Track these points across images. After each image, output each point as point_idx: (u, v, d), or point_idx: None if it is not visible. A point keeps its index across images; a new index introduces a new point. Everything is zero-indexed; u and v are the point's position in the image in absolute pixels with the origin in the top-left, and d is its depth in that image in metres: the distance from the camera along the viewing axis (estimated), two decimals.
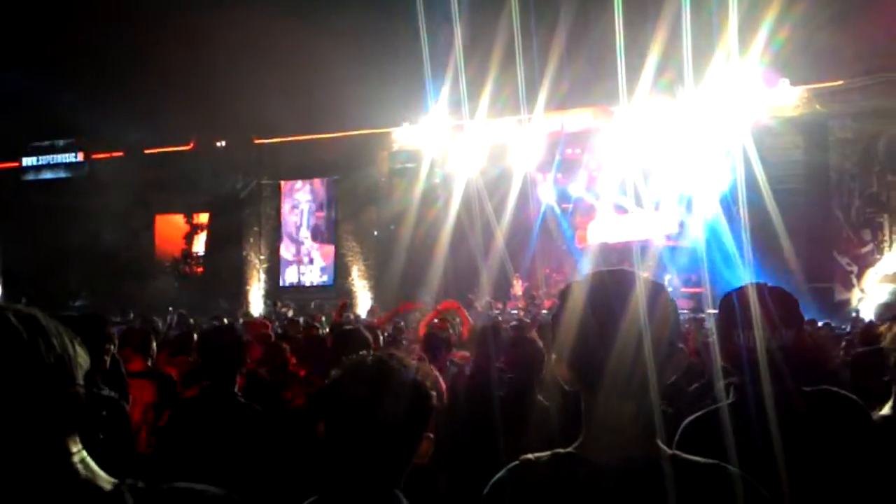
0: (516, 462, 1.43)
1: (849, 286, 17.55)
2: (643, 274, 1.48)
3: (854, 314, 16.30)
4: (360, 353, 1.67)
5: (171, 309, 17.59)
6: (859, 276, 17.47)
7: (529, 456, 1.42)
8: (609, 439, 1.38)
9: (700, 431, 2.07)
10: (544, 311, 17.09)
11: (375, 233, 21.40)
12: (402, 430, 1.54)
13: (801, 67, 17.28)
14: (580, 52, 17.61)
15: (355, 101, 19.59)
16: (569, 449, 1.42)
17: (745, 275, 15.74)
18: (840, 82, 17.62)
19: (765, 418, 2.00)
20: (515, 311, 17.20)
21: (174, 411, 3.66)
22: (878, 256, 17.42)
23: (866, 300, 17.17)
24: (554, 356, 1.49)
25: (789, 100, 17.84)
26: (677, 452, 1.39)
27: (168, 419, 3.63)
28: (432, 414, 1.63)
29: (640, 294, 1.40)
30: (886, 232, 17.41)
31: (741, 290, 2.19)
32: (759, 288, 2.17)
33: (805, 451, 1.95)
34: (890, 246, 17.33)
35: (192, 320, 13.19)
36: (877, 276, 17.36)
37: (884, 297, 16.83)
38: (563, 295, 1.50)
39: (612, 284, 1.44)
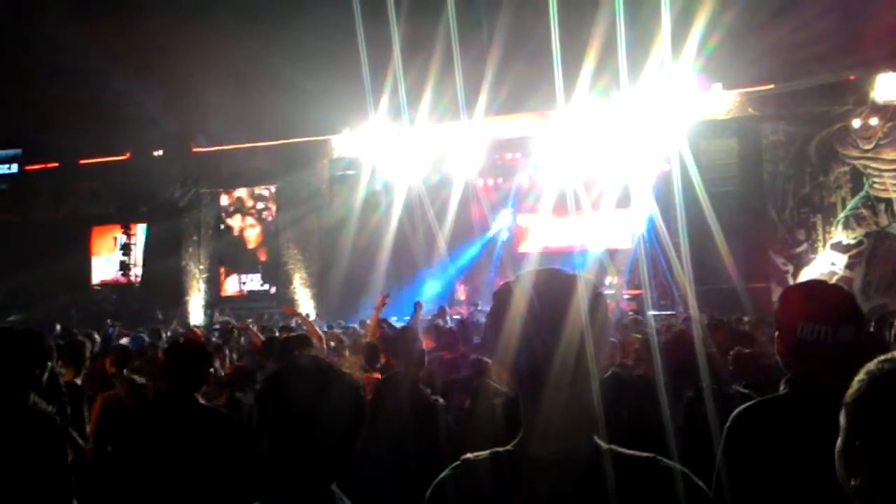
0: (457, 462, 1.45)
1: (785, 285, 17.86)
2: (575, 271, 1.49)
3: None
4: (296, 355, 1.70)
5: (108, 321, 17.28)
6: (795, 275, 17.81)
7: (469, 455, 1.44)
8: (547, 435, 1.39)
9: (752, 421, 2.12)
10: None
11: (321, 238, 21.21)
12: (342, 432, 1.58)
13: (734, 72, 17.61)
14: (518, 57, 17.66)
15: (295, 109, 19.45)
16: (508, 447, 1.43)
17: (682, 276, 16.01)
18: (771, 86, 17.98)
19: (815, 414, 1.95)
20: (458, 317, 17.16)
21: (133, 417, 3.71)
22: (812, 256, 17.80)
23: None
24: (491, 359, 1.51)
25: (723, 104, 18.16)
26: (613, 447, 1.40)
27: (125, 425, 3.68)
28: (366, 414, 1.66)
29: (573, 291, 1.42)
30: (819, 231, 17.81)
31: (808, 285, 2.30)
32: (822, 284, 2.28)
33: None
34: (823, 245, 17.72)
35: (124, 332, 12.95)
36: (812, 275, 17.70)
37: None
38: (495, 297, 1.51)
39: (544, 283, 1.44)
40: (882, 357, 1.29)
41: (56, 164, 23.87)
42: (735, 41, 16.47)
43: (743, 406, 2.20)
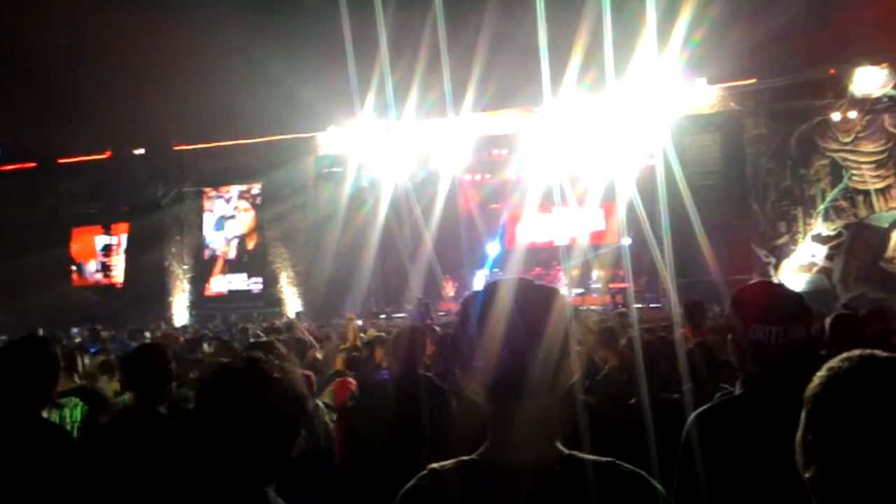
0: (423, 472, 1.46)
1: (767, 278, 18.17)
2: (542, 282, 1.53)
3: None
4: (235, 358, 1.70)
5: (89, 324, 17.02)
6: (776, 267, 18.13)
7: (435, 465, 1.45)
8: (511, 443, 1.41)
9: (710, 423, 2.16)
10: None
11: (307, 236, 21.10)
12: (271, 431, 1.57)
13: (717, 67, 17.87)
14: (505, 53, 17.75)
15: (280, 105, 19.31)
16: (472, 455, 1.45)
17: (665, 270, 16.20)
18: (753, 81, 18.28)
19: (773, 412, 2.02)
20: (444, 314, 17.23)
21: (94, 432, 3.55)
22: (793, 248, 18.12)
23: None
24: (458, 369, 1.50)
25: (706, 99, 18.42)
26: (574, 452, 1.42)
27: (86, 440, 3.51)
28: (303, 417, 1.66)
29: (540, 302, 1.43)
30: (800, 224, 18.13)
31: (755, 287, 2.31)
32: (771, 285, 2.35)
33: None
34: (803, 237, 18.05)
35: (104, 334, 12.80)
36: (793, 266, 18.05)
37: (800, 286, 17.49)
38: (460, 308, 1.53)
39: (502, 294, 1.45)
40: (844, 355, 1.35)
41: (34, 165, 23.45)
42: (718, 36, 16.69)
43: (701, 409, 2.25)
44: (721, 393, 2.34)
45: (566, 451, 1.42)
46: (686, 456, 2.17)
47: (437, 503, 1.41)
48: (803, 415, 1.37)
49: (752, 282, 2.35)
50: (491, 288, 1.48)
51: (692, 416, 2.22)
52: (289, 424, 1.61)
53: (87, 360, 6.26)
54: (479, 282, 19.76)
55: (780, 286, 2.34)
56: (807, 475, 1.34)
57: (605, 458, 1.41)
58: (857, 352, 1.34)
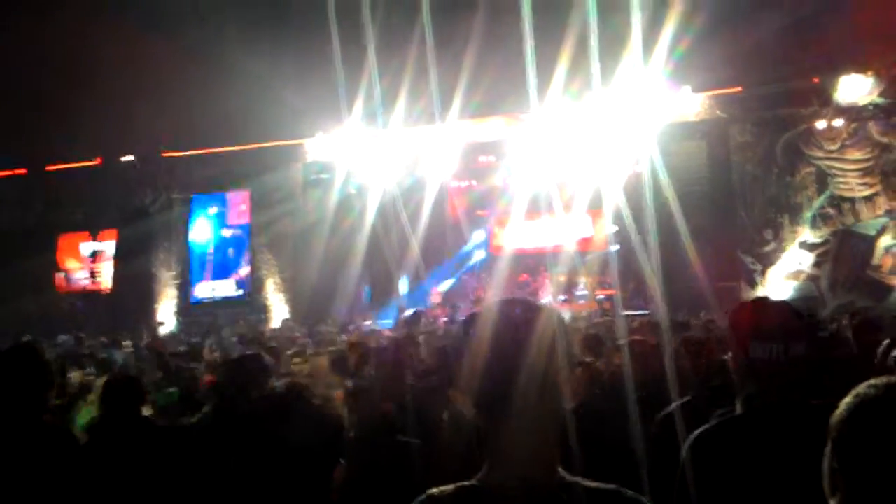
0: (422, 497, 1.43)
1: (753, 285, 18.20)
2: (538, 302, 1.53)
3: None
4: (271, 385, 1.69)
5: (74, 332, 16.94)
6: (763, 274, 18.14)
7: (434, 490, 1.43)
8: (511, 469, 1.39)
9: (709, 444, 2.12)
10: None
11: (294, 242, 21.08)
12: (313, 460, 1.47)
13: (702, 75, 17.94)
14: (492, 61, 17.83)
15: (267, 112, 19.31)
16: (472, 481, 1.42)
17: (652, 277, 16.20)
18: (738, 89, 18.36)
19: (775, 433, 2.03)
20: (432, 320, 17.18)
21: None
22: (780, 255, 18.14)
23: (771, 298, 17.79)
24: (456, 388, 1.49)
25: (692, 107, 18.48)
26: (578, 480, 1.41)
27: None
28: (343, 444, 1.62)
29: (537, 321, 1.42)
30: (786, 231, 18.16)
31: (755, 304, 2.28)
32: (769, 302, 2.27)
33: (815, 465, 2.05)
34: (790, 244, 18.08)
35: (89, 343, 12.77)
36: (780, 274, 18.06)
37: (789, 293, 17.50)
38: (465, 326, 1.52)
39: (508, 313, 1.45)
40: (872, 381, 1.35)
41: (22, 171, 23.43)
42: (703, 45, 16.78)
43: (701, 429, 2.21)
44: (720, 412, 2.31)
45: (569, 476, 1.40)
46: (684, 480, 2.12)
47: None
48: (829, 442, 1.36)
49: (752, 298, 2.36)
50: (491, 308, 1.48)
51: (690, 438, 2.18)
52: (333, 453, 1.54)
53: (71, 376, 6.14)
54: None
55: (780, 303, 2.29)
56: (832, 503, 1.33)
57: (608, 485, 1.40)
58: (883, 379, 1.33)
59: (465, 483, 1.42)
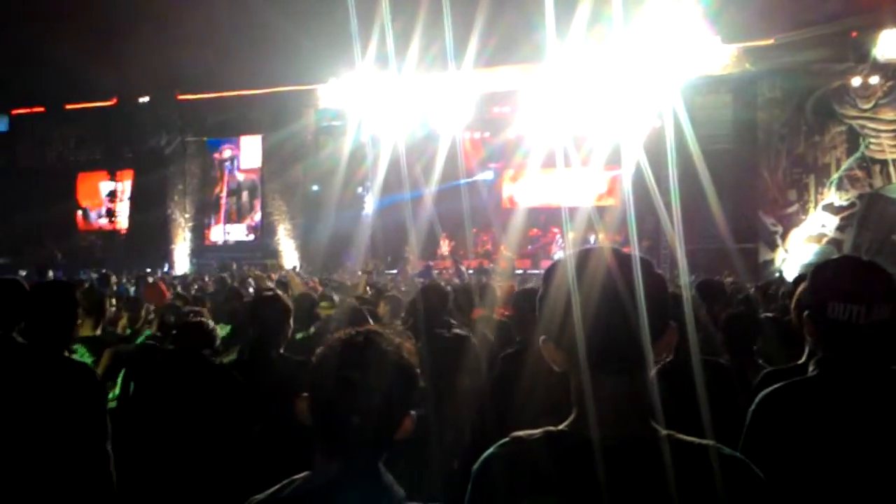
0: (506, 439, 1.40)
1: (773, 247, 17.60)
2: (633, 251, 1.45)
3: (777, 274, 16.31)
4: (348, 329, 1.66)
5: (98, 269, 17.13)
6: (784, 236, 17.51)
7: (520, 433, 1.40)
8: (602, 418, 1.35)
9: (779, 404, 2.04)
10: (470, 271, 16.94)
11: (306, 189, 20.93)
12: (387, 406, 1.53)
13: (733, 24, 17.09)
14: (509, 4, 17.21)
15: (281, 56, 19.02)
16: (561, 427, 1.39)
17: (673, 236, 15.70)
18: (770, 41, 17.45)
19: (850, 398, 1.96)
20: (438, 272, 16.99)
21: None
22: (803, 217, 17.47)
23: (790, 260, 17.21)
24: (542, 337, 1.44)
25: (720, 59, 17.64)
26: (672, 432, 1.36)
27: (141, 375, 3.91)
28: (416, 391, 1.63)
29: (629, 272, 1.37)
30: (811, 192, 17.45)
31: (838, 262, 2.13)
32: (855, 260, 2.13)
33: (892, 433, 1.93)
34: (814, 206, 17.36)
35: (114, 279, 12.76)
36: (801, 236, 17.40)
37: (808, 257, 16.87)
38: (548, 274, 1.47)
39: (599, 262, 1.39)
40: None
41: (41, 109, 23.54)
42: None
43: (769, 389, 2.09)
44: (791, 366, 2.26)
45: (663, 430, 1.36)
46: (752, 439, 2.04)
47: (522, 474, 1.35)
48: None
49: (836, 256, 2.16)
50: (583, 255, 1.41)
51: (759, 396, 2.08)
52: (406, 400, 1.58)
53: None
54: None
55: (867, 262, 2.09)
56: None
57: (705, 441, 1.36)
58: None
59: (553, 428, 1.39)
